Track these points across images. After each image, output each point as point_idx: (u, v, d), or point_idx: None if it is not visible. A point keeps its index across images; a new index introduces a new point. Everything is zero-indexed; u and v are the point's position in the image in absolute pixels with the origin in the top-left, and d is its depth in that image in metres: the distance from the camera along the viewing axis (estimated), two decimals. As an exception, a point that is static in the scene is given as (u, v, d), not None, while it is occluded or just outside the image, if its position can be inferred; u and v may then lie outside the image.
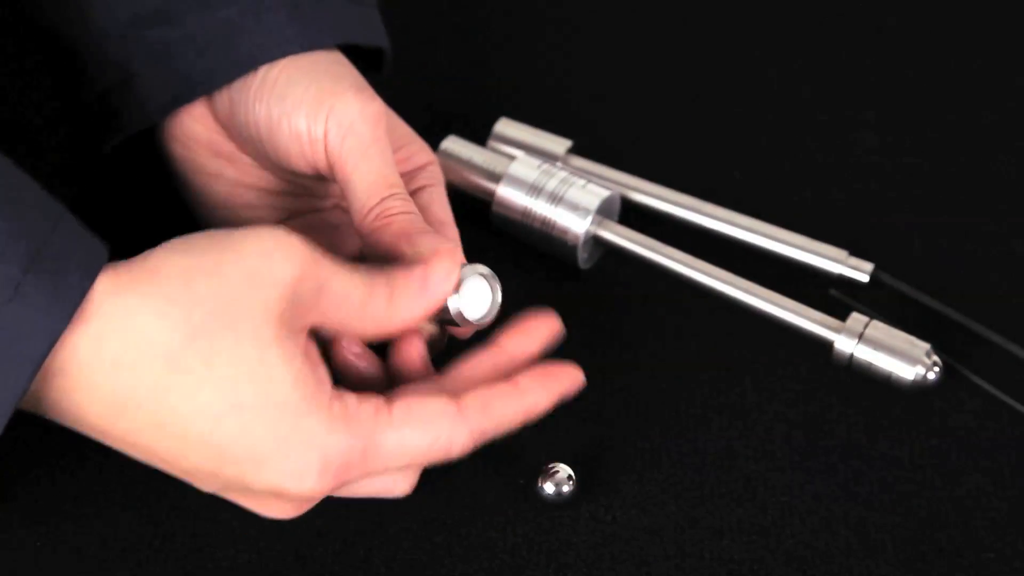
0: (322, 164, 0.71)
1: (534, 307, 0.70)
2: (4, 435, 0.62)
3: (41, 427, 0.66)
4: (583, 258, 0.80)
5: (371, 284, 0.66)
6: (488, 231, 0.80)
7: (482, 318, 0.68)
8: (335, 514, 0.69)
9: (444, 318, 0.68)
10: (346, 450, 0.64)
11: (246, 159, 0.75)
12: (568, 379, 0.69)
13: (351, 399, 0.65)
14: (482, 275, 0.68)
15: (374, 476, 0.66)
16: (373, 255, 0.70)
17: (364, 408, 0.65)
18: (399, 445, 0.65)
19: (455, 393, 0.67)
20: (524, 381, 0.68)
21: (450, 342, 0.72)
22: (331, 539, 0.70)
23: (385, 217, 0.69)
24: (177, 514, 0.70)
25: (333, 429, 0.64)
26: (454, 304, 0.68)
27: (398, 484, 0.68)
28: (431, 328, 0.71)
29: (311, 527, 0.70)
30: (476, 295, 0.68)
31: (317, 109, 0.71)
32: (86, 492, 0.71)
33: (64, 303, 0.61)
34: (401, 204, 0.69)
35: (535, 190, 0.79)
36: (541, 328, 0.70)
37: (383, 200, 0.69)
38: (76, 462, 0.71)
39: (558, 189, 0.79)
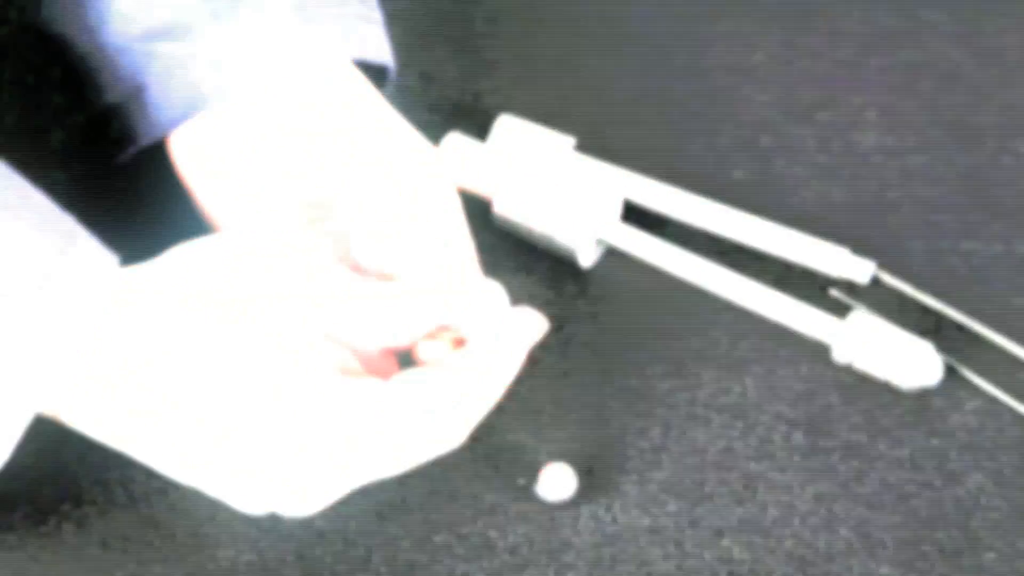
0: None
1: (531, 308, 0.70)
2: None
3: (40, 428, 0.66)
4: (584, 257, 0.80)
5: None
6: (489, 230, 0.80)
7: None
8: (335, 514, 0.69)
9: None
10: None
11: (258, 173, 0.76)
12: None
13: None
14: None
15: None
16: None
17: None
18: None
19: None
20: None
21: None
22: (331, 539, 0.70)
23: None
24: (177, 514, 0.70)
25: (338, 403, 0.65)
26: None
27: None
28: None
29: (311, 527, 0.70)
30: None
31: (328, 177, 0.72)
32: (86, 492, 0.71)
33: (68, 339, 0.62)
34: None
35: (537, 188, 0.79)
36: None
37: None
38: (76, 462, 0.71)
39: (560, 187, 0.79)
